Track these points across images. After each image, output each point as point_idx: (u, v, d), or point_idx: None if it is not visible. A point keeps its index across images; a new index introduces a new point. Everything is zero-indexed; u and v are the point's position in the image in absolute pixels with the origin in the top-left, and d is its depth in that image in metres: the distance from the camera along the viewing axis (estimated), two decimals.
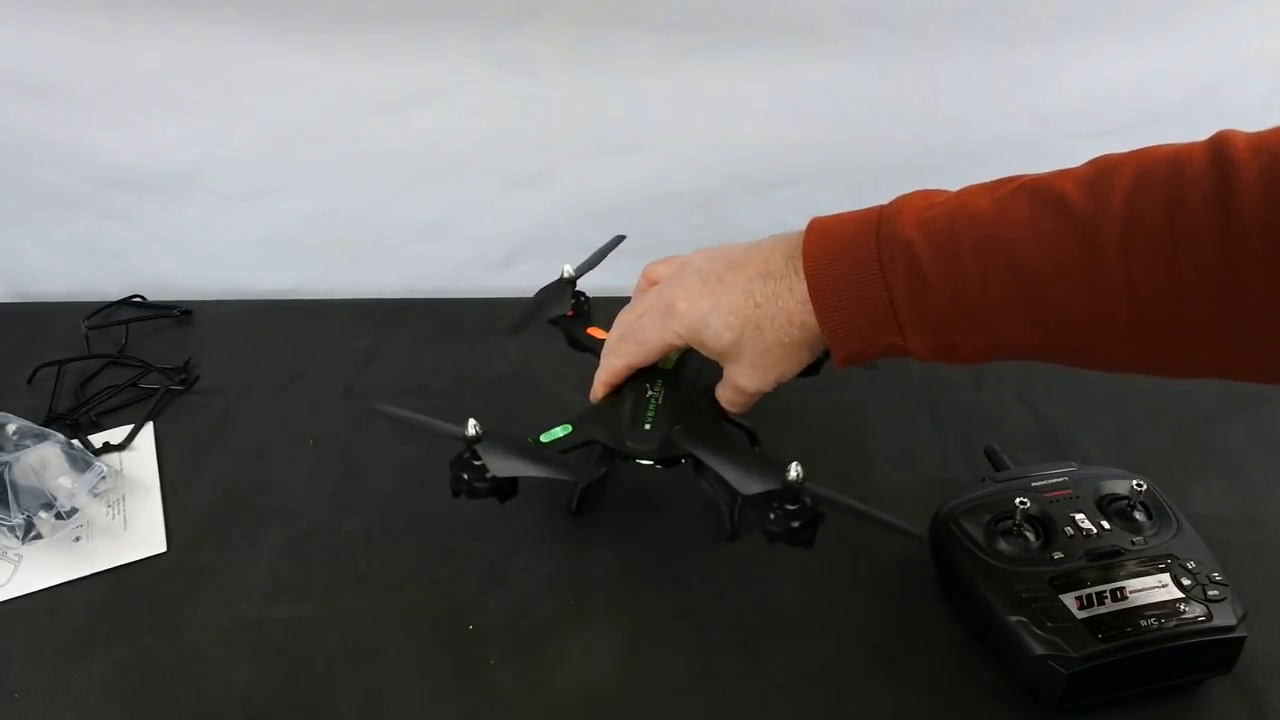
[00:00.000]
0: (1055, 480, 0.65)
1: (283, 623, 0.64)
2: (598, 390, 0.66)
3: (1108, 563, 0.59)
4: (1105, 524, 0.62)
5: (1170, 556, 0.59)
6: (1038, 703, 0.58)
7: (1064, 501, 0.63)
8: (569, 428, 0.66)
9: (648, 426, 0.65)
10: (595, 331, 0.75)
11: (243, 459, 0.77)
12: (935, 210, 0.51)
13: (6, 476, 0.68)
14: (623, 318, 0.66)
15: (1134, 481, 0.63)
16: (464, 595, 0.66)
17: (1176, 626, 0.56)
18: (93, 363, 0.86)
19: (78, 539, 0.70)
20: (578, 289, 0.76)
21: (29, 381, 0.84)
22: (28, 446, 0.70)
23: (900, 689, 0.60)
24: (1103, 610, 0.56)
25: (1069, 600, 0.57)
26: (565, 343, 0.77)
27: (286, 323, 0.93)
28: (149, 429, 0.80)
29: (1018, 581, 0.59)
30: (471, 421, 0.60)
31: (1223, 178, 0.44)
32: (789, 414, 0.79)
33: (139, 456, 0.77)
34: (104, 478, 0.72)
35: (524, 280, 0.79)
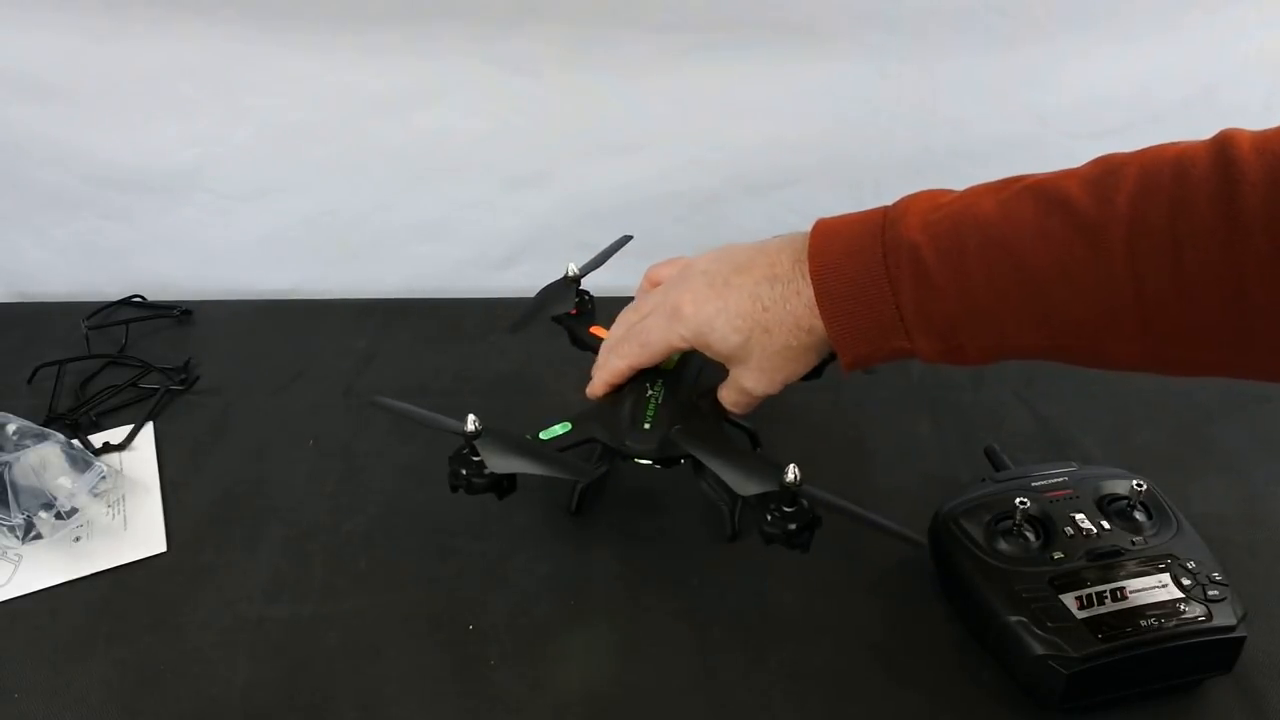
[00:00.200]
0: (1055, 480, 0.65)
1: (283, 623, 0.64)
2: (597, 388, 0.66)
3: (1108, 563, 0.59)
4: (1105, 524, 0.62)
5: (1170, 556, 0.59)
6: (1038, 703, 0.58)
7: (1064, 501, 0.63)
8: (569, 425, 0.66)
9: (647, 426, 0.65)
10: (598, 330, 0.75)
11: (243, 459, 0.77)
12: (940, 213, 0.51)
13: (6, 476, 0.68)
14: (625, 317, 0.66)
15: (1134, 481, 0.63)
16: (464, 595, 0.66)
17: (1176, 626, 0.56)
18: (93, 363, 0.86)
19: (78, 539, 0.70)
20: (582, 288, 0.76)
21: (29, 381, 0.84)
22: (28, 446, 0.70)
23: (900, 689, 0.60)
24: (1103, 610, 0.56)
25: (1069, 600, 0.57)
26: (567, 342, 0.77)
27: (286, 323, 0.93)
28: (149, 429, 0.80)
29: (1018, 581, 0.59)
30: (471, 417, 0.60)
31: (1227, 178, 0.44)
32: (789, 414, 0.79)
33: (139, 456, 0.77)
34: (104, 478, 0.72)
35: (524, 280, 0.79)
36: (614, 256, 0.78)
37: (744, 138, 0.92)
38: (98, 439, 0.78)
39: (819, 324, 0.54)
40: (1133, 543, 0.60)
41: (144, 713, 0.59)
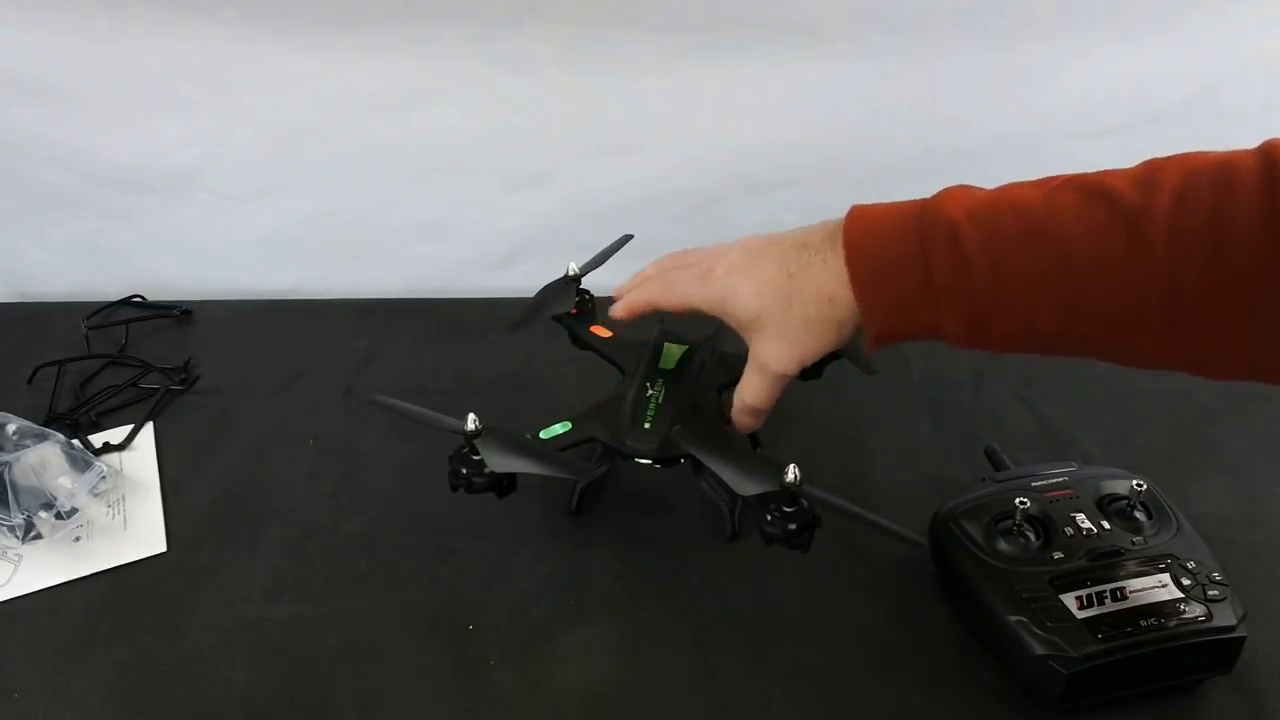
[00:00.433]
0: (1055, 480, 0.65)
1: (283, 623, 0.64)
2: (618, 309, 0.66)
3: (1108, 563, 0.59)
4: (1105, 524, 0.62)
5: (1170, 556, 0.59)
6: (1038, 703, 0.58)
7: (1064, 501, 0.63)
8: (569, 425, 0.66)
9: (647, 426, 0.65)
10: (598, 330, 0.75)
11: (243, 459, 0.77)
12: (980, 198, 0.52)
13: (6, 476, 0.68)
14: (663, 262, 0.66)
15: (1134, 481, 0.63)
16: (464, 595, 0.66)
17: (1176, 626, 0.56)
18: (93, 363, 0.86)
19: (78, 539, 0.70)
20: (582, 288, 0.76)
21: (29, 381, 0.84)
22: (28, 446, 0.70)
23: (900, 689, 0.60)
24: (1103, 610, 0.56)
25: (1069, 600, 0.57)
26: (567, 342, 0.77)
27: (286, 323, 0.93)
28: (149, 429, 0.80)
29: (1018, 581, 0.59)
30: (471, 416, 0.60)
31: (1271, 185, 0.44)
32: (789, 414, 0.79)
33: (139, 456, 0.77)
34: (104, 478, 0.72)
35: (524, 280, 0.79)
36: (614, 256, 0.78)
37: (744, 138, 0.92)
38: (98, 439, 0.78)
39: (844, 294, 0.54)
40: (1133, 543, 0.60)
41: (144, 713, 0.59)
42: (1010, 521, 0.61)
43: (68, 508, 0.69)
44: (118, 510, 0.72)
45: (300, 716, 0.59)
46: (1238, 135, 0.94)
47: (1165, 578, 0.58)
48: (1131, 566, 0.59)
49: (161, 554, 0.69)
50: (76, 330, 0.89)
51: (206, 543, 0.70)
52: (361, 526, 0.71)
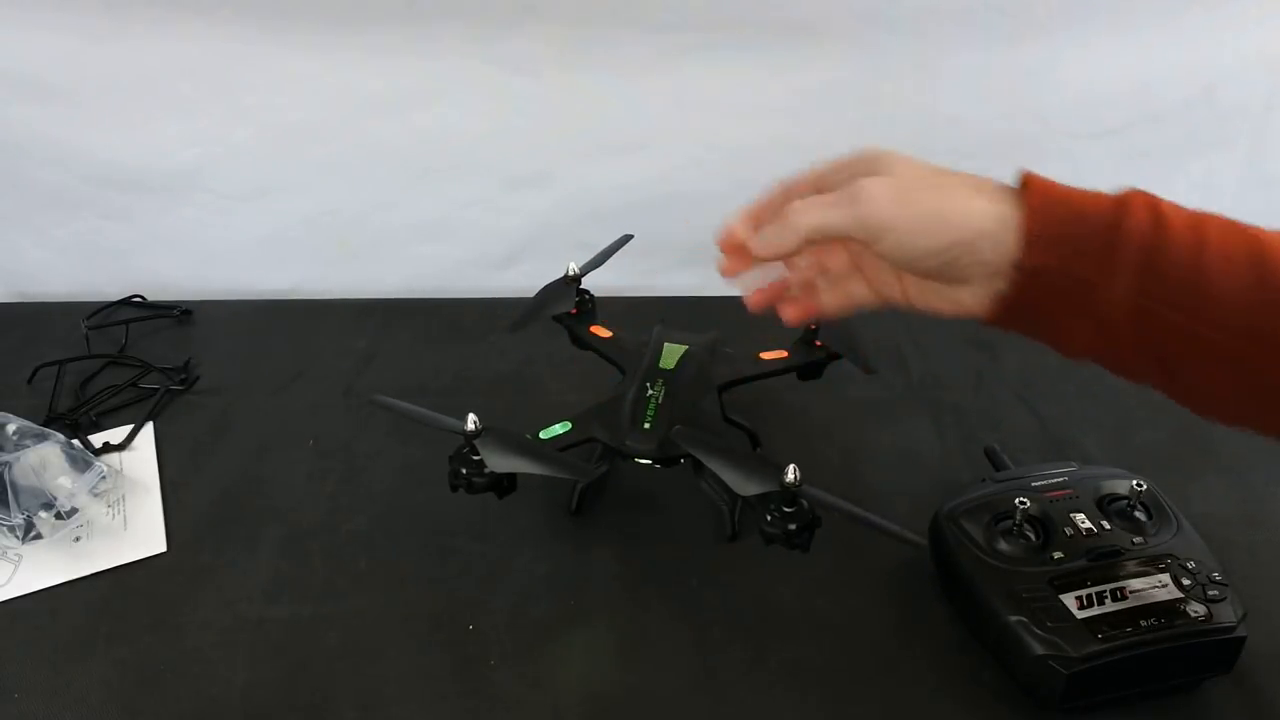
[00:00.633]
0: (1055, 480, 0.65)
1: (283, 623, 0.64)
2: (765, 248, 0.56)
3: (1108, 563, 0.59)
4: (1105, 524, 0.62)
5: (1170, 556, 0.59)
6: (1038, 703, 0.58)
7: (1064, 501, 0.63)
8: (569, 425, 0.66)
9: (647, 426, 0.65)
10: (598, 330, 0.75)
11: (243, 459, 0.77)
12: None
13: (6, 476, 0.68)
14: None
15: (1134, 481, 0.63)
16: (464, 595, 0.66)
17: (1176, 626, 0.56)
18: (93, 363, 0.86)
19: (78, 539, 0.70)
20: (582, 287, 0.76)
21: (29, 381, 0.84)
22: (28, 446, 0.70)
23: (900, 689, 0.60)
24: (1103, 610, 0.56)
25: (1069, 600, 0.57)
26: (567, 342, 0.77)
27: (286, 323, 0.93)
28: (149, 429, 0.80)
29: (1018, 581, 0.59)
30: (471, 416, 0.60)
31: None
32: (789, 414, 0.79)
33: (139, 456, 0.77)
34: (104, 478, 0.72)
35: (524, 280, 0.79)
36: (614, 256, 0.78)
37: (744, 138, 0.92)
38: (98, 439, 0.78)
39: (1003, 193, 0.49)
40: (1133, 543, 0.60)
41: (144, 713, 0.59)
42: (1010, 521, 0.61)
43: (68, 508, 0.69)
44: (118, 510, 0.72)
45: (300, 716, 0.59)
46: (1238, 135, 0.95)
47: (1165, 578, 0.58)
48: (1131, 566, 0.59)
49: (161, 554, 0.69)
50: (76, 330, 0.89)
51: (206, 543, 0.70)
52: (361, 526, 0.71)
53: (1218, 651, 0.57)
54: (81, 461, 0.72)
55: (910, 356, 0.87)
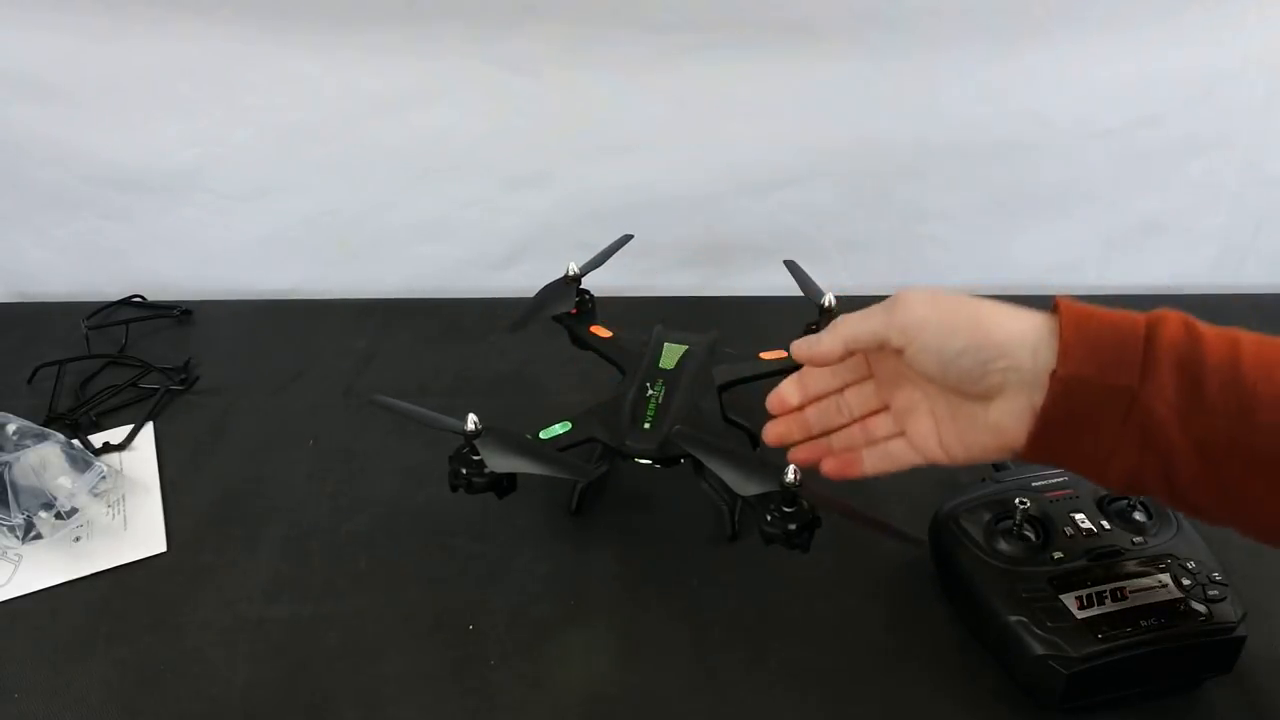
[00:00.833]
0: (1055, 480, 0.65)
1: (283, 623, 0.64)
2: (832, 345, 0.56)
3: (1108, 563, 0.59)
4: (1105, 524, 0.62)
5: (1170, 556, 0.59)
6: (1038, 703, 0.58)
7: (1064, 501, 0.63)
8: (569, 425, 0.66)
9: (647, 426, 0.65)
10: (598, 330, 0.75)
11: (243, 459, 0.77)
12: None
13: (6, 476, 0.68)
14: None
15: None
16: (464, 595, 0.66)
17: (1176, 626, 0.56)
18: (93, 363, 0.86)
19: (78, 539, 0.70)
20: (582, 287, 0.76)
21: (29, 381, 0.84)
22: (28, 446, 0.70)
23: (900, 689, 0.60)
24: (1103, 610, 0.56)
25: (1069, 600, 0.57)
26: (567, 342, 0.77)
27: (286, 323, 0.93)
28: (149, 429, 0.80)
29: (1018, 581, 0.59)
30: (471, 416, 0.60)
31: None
32: None
33: (139, 456, 0.77)
34: (104, 478, 0.72)
35: (524, 280, 0.79)
36: (614, 256, 0.78)
37: (744, 138, 0.92)
38: (98, 439, 0.78)
39: (1035, 312, 0.49)
40: (1133, 543, 0.60)
41: (144, 713, 0.59)
42: (1010, 521, 0.61)
43: (68, 508, 0.69)
44: (118, 510, 0.72)
45: (300, 716, 0.59)
46: (1238, 135, 0.95)
47: (1165, 578, 0.58)
48: (1131, 566, 0.59)
49: (161, 554, 0.69)
50: (76, 330, 0.90)
51: (206, 543, 0.70)
52: (361, 526, 0.71)
53: (1218, 651, 0.57)
54: (81, 461, 0.72)
55: None
